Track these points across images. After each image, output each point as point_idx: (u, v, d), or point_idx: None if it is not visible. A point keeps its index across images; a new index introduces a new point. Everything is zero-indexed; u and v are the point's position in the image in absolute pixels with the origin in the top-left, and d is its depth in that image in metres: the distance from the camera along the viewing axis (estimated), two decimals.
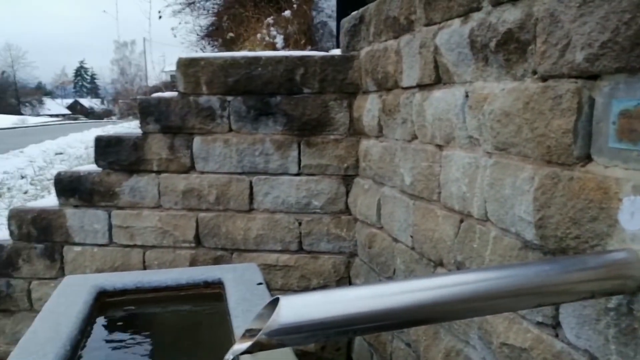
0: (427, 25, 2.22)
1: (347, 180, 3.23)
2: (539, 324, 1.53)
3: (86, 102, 76.54)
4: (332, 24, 6.94)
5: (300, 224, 3.27)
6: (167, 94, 3.36)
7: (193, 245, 3.36)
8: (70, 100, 78.90)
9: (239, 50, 6.87)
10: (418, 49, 2.32)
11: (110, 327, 2.17)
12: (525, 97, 1.57)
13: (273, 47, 6.37)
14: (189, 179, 3.34)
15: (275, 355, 1.68)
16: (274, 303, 1.07)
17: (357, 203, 3.13)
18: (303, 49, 5.67)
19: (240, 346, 1.08)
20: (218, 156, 3.29)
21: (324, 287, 3.26)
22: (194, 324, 2.29)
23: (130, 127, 12.43)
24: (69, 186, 3.47)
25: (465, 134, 1.95)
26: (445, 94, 2.11)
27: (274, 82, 3.19)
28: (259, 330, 1.05)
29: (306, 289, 3.27)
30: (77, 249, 3.48)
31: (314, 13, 6.63)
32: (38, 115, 56.96)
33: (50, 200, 3.76)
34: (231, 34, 8.16)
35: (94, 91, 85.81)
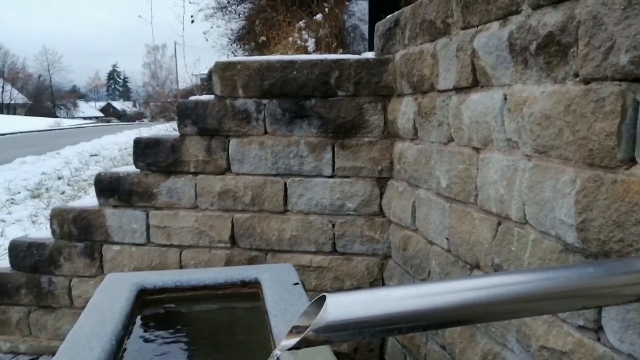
0: (464, 28, 2.22)
1: (381, 182, 3.24)
2: (580, 327, 1.53)
3: (118, 104, 78.15)
4: (364, 28, 6.96)
5: (334, 225, 3.30)
6: (205, 97, 3.42)
7: (228, 245, 3.42)
8: (103, 103, 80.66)
9: (270, 53, 6.94)
10: (455, 52, 2.33)
11: (150, 324, 2.23)
12: (566, 100, 1.57)
13: (305, 50, 6.42)
14: (225, 180, 3.40)
15: (315, 353, 1.71)
16: (321, 301, 1.10)
17: (391, 205, 3.14)
18: (334, 52, 5.70)
19: (288, 342, 1.11)
20: (253, 158, 3.34)
21: (357, 288, 3.28)
22: (232, 322, 2.33)
23: (162, 129, 12.62)
24: (109, 187, 3.56)
25: (503, 136, 1.95)
26: (483, 97, 2.11)
27: (309, 85, 3.23)
28: (306, 327, 1.08)
29: (339, 290, 3.29)
30: (116, 248, 3.57)
31: (345, 17, 6.67)
32: (72, 117, 58.38)
33: (89, 200, 3.87)
34: (263, 38, 8.24)
35: (125, 94, 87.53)
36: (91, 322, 1.96)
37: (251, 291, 2.47)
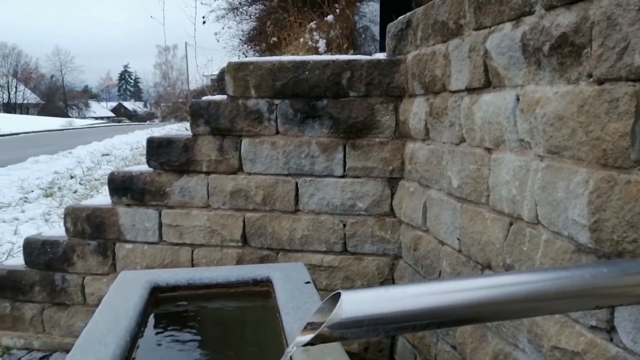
0: (477, 29, 2.23)
1: (392, 182, 3.25)
2: (592, 327, 1.53)
3: (129, 105, 78.66)
4: (374, 29, 6.97)
5: (344, 225, 3.31)
6: (217, 97, 3.45)
7: (240, 244, 3.44)
8: (114, 103, 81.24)
9: (281, 54, 6.97)
10: (467, 52, 2.33)
11: (163, 322, 2.26)
12: (579, 101, 1.57)
13: (315, 51, 6.45)
14: (237, 179, 3.42)
15: (326, 351, 1.73)
16: (335, 298, 1.11)
17: (402, 205, 3.15)
18: (345, 53, 5.72)
19: (303, 338, 1.13)
20: (265, 158, 3.36)
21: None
22: (244, 321, 2.35)
23: (174, 129, 12.70)
24: (122, 185, 3.60)
25: (515, 137, 1.96)
26: (495, 98, 2.11)
27: (321, 86, 3.25)
28: (320, 323, 1.09)
29: (352, 286, 3.30)
30: (129, 246, 3.61)
31: (356, 18, 6.68)
32: (84, 117, 58.84)
33: (102, 199, 3.91)
34: (274, 39, 8.28)
35: (137, 94, 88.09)
36: (105, 319, 1.99)
37: (263, 290, 2.49)
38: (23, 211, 7.76)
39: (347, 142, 3.27)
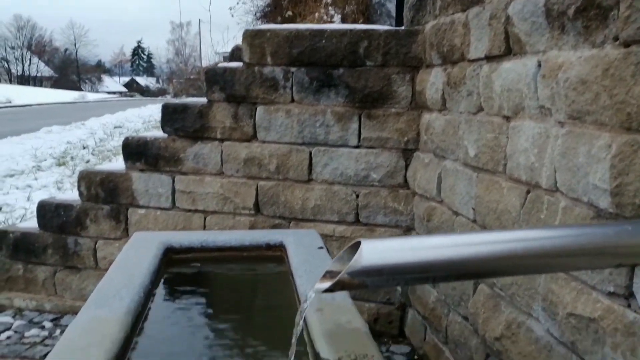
0: None
1: (407, 154, 3.23)
2: (610, 294, 1.52)
3: (142, 80, 78.63)
4: (390, 6, 6.89)
5: (357, 196, 3.30)
6: (233, 64, 3.43)
7: (252, 212, 3.45)
8: (127, 79, 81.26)
9: None
10: (488, 20, 2.29)
11: (177, 282, 2.27)
12: (604, 64, 1.54)
13: None
14: (251, 147, 3.41)
15: (340, 312, 1.73)
16: (355, 247, 1.11)
17: (416, 177, 3.13)
18: None
19: (322, 285, 1.12)
20: (279, 126, 3.35)
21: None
22: (256, 283, 2.36)
23: None
24: (136, 150, 3.60)
25: (536, 104, 1.93)
26: (516, 65, 2.08)
27: (337, 55, 3.21)
28: (339, 272, 1.09)
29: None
30: (142, 211, 3.62)
31: None
32: (97, 92, 58.96)
33: (116, 164, 3.93)
34: (289, 13, 8.21)
35: (149, 70, 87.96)
36: (119, 275, 2.00)
37: (276, 254, 2.50)
38: (36, 179, 7.83)
39: (362, 112, 3.25)
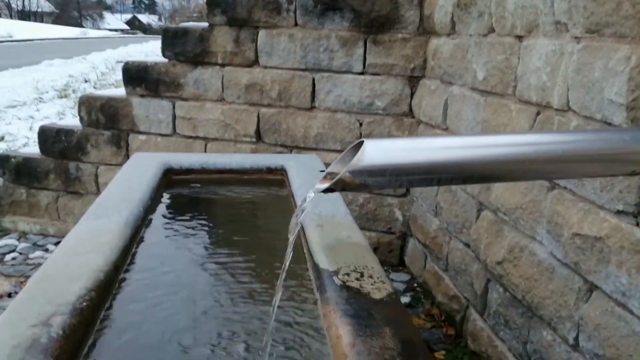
0: None
1: (413, 81, 3.14)
2: (618, 212, 1.48)
3: (144, 18, 76.91)
4: None
5: (361, 124, 3.24)
6: None
7: (254, 140, 3.40)
8: (128, 16, 79.45)
9: None
10: None
11: (176, 201, 2.24)
12: None
13: None
14: (252, 73, 3.32)
15: (340, 227, 1.70)
16: (358, 147, 1.06)
17: (421, 105, 3.05)
18: None
19: (322, 185, 1.08)
20: (282, 51, 3.24)
21: (382, 187, 3.26)
22: (257, 206, 2.33)
23: None
24: (136, 75, 3.52)
25: (551, 19, 1.83)
26: None
27: None
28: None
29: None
30: (142, 137, 3.58)
31: None
32: (98, 29, 57.76)
33: (116, 90, 3.85)
34: None
35: (151, 7, 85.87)
36: (119, 190, 1.98)
37: (277, 178, 2.46)
38: (38, 110, 7.75)
39: (368, 37, 3.14)
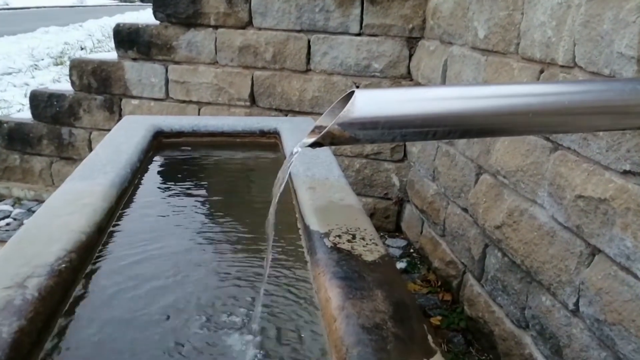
0: None
1: (411, 42, 3.04)
2: (625, 172, 1.41)
3: None
4: None
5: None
6: None
7: (248, 104, 3.31)
8: None
9: None
10: None
11: (166, 164, 2.18)
12: None
13: None
14: (246, 35, 3.21)
15: (334, 190, 1.64)
16: (348, 97, 0.99)
17: (420, 66, 2.96)
18: None
19: (309, 139, 1.02)
20: (276, 11, 3.13)
21: (378, 153, 3.19)
22: (249, 170, 2.27)
23: None
24: (128, 38, 3.41)
25: None
26: None
27: None
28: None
29: (360, 154, 3.21)
30: (135, 102, 3.49)
31: None
32: None
33: (109, 54, 3.75)
34: None
35: None
36: (106, 152, 1.91)
37: (270, 142, 2.39)
38: (33, 77, 7.64)
39: None
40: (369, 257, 1.21)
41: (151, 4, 3.43)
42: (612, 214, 1.44)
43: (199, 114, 3.38)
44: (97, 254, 1.33)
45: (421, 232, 3.00)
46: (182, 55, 3.35)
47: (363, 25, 3.05)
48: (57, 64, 8.84)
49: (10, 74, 7.96)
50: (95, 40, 11.73)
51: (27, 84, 7.21)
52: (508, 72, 2.04)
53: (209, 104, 3.36)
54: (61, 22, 15.74)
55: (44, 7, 29.56)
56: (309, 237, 1.34)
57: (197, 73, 3.33)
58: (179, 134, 2.35)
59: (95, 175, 1.66)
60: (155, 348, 1.04)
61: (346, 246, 1.26)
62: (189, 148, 2.30)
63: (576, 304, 1.62)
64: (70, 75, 3.59)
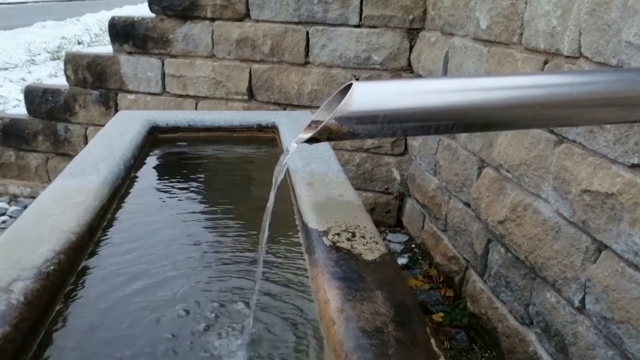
0: None
1: (412, 34, 2.98)
2: (633, 166, 1.37)
3: None
4: None
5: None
6: None
7: (245, 97, 3.26)
8: None
9: None
10: None
11: (161, 160, 2.13)
12: None
13: None
14: (244, 27, 3.16)
15: (333, 186, 1.60)
16: (345, 90, 0.94)
17: (420, 58, 2.90)
18: None
19: (305, 134, 0.97)
20: (274, 3, 3.07)
21: (378, 147, 3.14)
22: (247, 166, 2.22)
23: None
24: (123, 31, 3.36)
25: None
26: None
27: None
28: None
29: (360, 148, 3.16)
30: (131, 97, 3.44)
31: None
32: None
33: (103, 47, 3.70)
34: None
35: None
36: (99, 148, 1.86)
37: (268, 136, 2.34)
38: (30, 72, 7.58)
39: None
40: (369, 256, 1.17)
41: None
42: (620, 209, 1.40)
43: (196, 109, 3.33)
44: (87, 255, 1.29)
45: (422, 227, 2.95)
46: (178, 48, 3.29)
47: (362, 16, 3.00)
48: (54, 59, 8.77)
49: (6, 69, 7.91)
50: (92, 35, 11.65)
51: (23, 79, 7.15)
52: (511, 64, 1.99)
53: (206, 98, 3.31)
54: (58, 17, 15.65)
55: (41, 1, 29.47)
56: (307, 236, 1.30)
57: (194, 67, 3.28)
58: (175, 129, 2.30)
59: (87, 173, 1.61)
60: (147, 353, 1.00)
61: (345, 245, 1.22)
62: (185, 143, 2.26)
63: (582, 301, 1.58)
64: (65, 70, 3.54)
